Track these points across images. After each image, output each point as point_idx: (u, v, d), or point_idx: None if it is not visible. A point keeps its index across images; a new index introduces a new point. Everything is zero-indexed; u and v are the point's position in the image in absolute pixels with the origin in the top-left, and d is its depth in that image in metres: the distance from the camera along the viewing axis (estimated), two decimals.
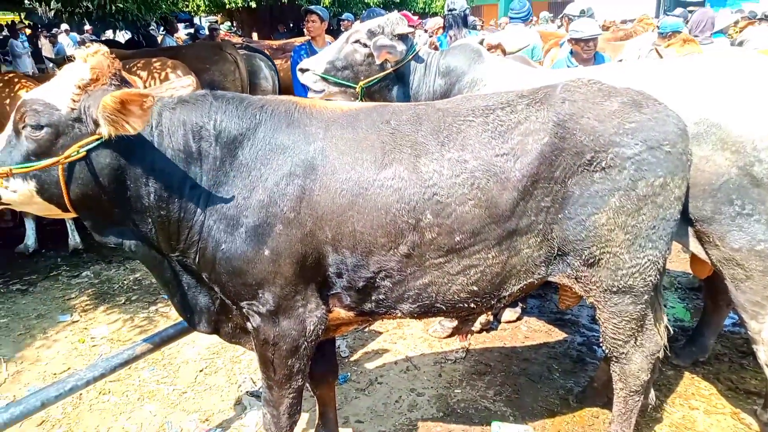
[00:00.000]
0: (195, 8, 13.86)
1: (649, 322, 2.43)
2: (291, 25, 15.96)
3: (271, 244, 2.10)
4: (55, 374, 3.71)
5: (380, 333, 4.07)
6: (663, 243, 2.21)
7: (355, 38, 3.29)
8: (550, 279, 2.32)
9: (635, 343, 2.42)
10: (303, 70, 3.31)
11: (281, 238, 2.10)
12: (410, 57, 3.32)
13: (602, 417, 3.13)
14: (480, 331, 4.06)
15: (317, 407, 2.85)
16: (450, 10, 5.40)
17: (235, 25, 16.84)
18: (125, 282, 5.06)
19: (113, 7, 5.97)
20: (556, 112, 2.08)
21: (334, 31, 11.69)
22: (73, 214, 2.14)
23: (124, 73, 2.11)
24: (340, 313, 2.36)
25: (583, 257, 2.20)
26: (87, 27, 15.03)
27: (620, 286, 2.24)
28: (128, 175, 2.05)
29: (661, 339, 2.51)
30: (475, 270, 2.19)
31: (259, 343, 2.27)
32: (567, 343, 3.93)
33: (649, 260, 2.20)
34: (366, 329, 4.08)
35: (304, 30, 6.28)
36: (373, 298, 2.28)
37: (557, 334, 4.04)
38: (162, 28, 12.55)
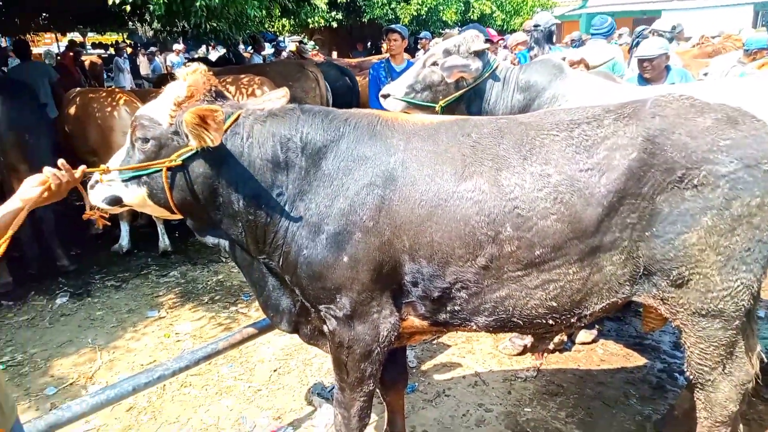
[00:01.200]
0: (280, 28, 14.54)
1: (739, 350, 2.29)
2: (369, 44, 16.35)
3: (350, 250, 2.17)
4: (142, 365, 3.97)
5: (449, 346, 4.06)
6: (758, 266, 2.09)
7: (432, 60, 3.37)
8: (635, 299, 2.25)
9: (723, 370, 2.29)
10: (385, 96, 3.44)
11: (360, 246, 2.17)
12: (488, 74, 3.34)
13: None
14: (553, 351, 3.96)
15: (386, 413, 2.89)
16: (535, 26, 5.36)
17: (316, 42, 17.47)
18: (209, 283, 5.35)
19: (207, 26, 6.38)
20: (646, 127, 2.03)
21: (411, 50, 11.85)
22: (179, 216, 2.33)
23: (220, 87, 2.28)
24: (414, 321, 2.39)
25: (671, 277, 2.12)
26: (178, 47, 16.04)
27: (709, 310, 2.14)
28: (220, 182, 2.21)
29: (753, 368, 2.36)
30: (554, 285, 2.16)
31: (335, 345, 2.34)
32: (646, 368, 3.76)
33: (742, 284, 2.09)
34: (434, 341, 4.08)
35: (383, 48, 6.46)
36: (448, 308, 2.30)
37: (636, 359, 3.87)
38: (250, 47, 13.21)
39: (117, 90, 6.02)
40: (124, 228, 6.05)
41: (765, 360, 2.47)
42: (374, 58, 11.59)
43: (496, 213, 2.08)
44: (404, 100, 3.34)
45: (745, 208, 1.98)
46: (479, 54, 3.29)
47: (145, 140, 2.15)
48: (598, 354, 3.97)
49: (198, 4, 4.68)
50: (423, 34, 12.86)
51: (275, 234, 2.27)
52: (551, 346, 3.94)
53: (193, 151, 2.13)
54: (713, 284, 2.09)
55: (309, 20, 10.31)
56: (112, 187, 2.26)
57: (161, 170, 2.16)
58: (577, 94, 3.01)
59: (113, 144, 5.27)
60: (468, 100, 3.32)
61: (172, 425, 3.34)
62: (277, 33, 16.32)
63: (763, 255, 2.07)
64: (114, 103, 5.57)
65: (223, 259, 5.92)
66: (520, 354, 3.93)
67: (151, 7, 4.55)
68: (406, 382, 2.87)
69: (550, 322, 2.28)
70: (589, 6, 25.83)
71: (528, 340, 3.90)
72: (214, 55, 14.91)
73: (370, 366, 2.34)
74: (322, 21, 11.20)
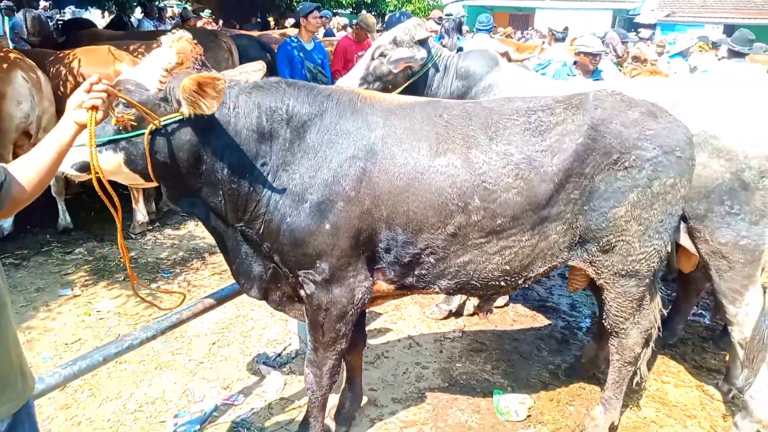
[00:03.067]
0: None
1: (646, 303, 2.81)
2: (260, 18, 15.86)
3: (332, 219, 2.33)
4: (66, 344, 3.78)
5: (381, 314, 4.34)
6: (667, 235, 2.58)
7: (380, 52, 3.51)
8: (570, 262, 2.66)
9: (634, 320, 2.79)
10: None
11: (341, 214, 2.33)
12: (432, 62, 3.57)
13: (588, 388, 3.52)
14: (472, 315, 4.40)
15: (345, 373, 3.09)
16: (447, 15, 5.70)
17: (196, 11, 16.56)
18: (121, 260, 5.09)
19: None
20: (590, 116, 2.41)
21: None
22: (151, 183, 2.30)
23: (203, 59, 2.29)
24: (382, 285, 2.61)
25: (601, 244, 2.55)
26: (43, 3, 14.28)
27: (628, 270, 2.60)
28: (205, 150, 2.24)
29: (655, 319, 2.90)
30: (509, 251, 2.49)
31: (312, 308, 2.49)
32: (551, 326, 4.33)
33: (654, 249, 2.57)
34: (367, 310, 4.33)
35: (301, 24, 6.45)
36: (415, 272, 2.54)
37: (542, 319, 4.43)
38: (141, 11, 12.23)
39: (9, 51, 5.33)
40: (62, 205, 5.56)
41: (664, 313, 3.03)
42: (274, 33, 11.38)
43: (467, 186, 2.35)
44: None
45: (662, 187, 2.44)
46: (422, 43, 3.51)
47: (130, 105, 2.10)
48: (511, 316, 4.47)
49: None
50: (323, 12, 12.84)
51: (257, 203, 2.35)
52: (471, 309, 4.37)
53: (181, 118, 2.13)
54: (633, 249, 2.55)
55: None
56: (83, 152, 2.16)
57: (143, 136, 2.13)
58: (509, 84, 3.37)
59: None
60: (413, 86, 3.54)
61: (114, 401, 3.25)
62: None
63: (671, 226, 2.57)
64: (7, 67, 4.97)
65: (132, 236, 5.65)
66: (445, 318, 4.31)
67: None
68: (365, 343, 3.10)
69: (502, 284, 2.62)
70: (469, 0, 27.21)
71: (453, 305, 4.29)
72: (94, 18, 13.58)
73: (344, 326, 2.53)
74: None
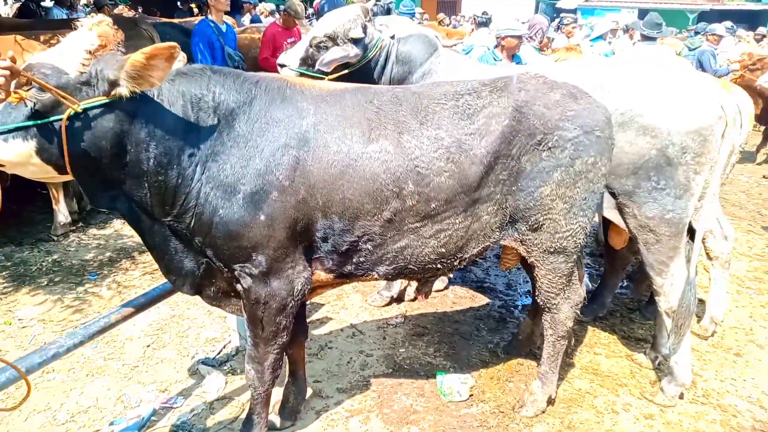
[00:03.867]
0: None
1: (575, 278, 2.94)
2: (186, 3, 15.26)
3: (266, 209, 2.28)
4: None
5: (323, 304, 4.32)
6: (591, 212, 2.71)
7: (316, 42, 3.49)
8: (502, 242, 2.74)
9: (564, 295, 2.91)
10: (281, 65, 3.57)
11: (276, 205, 2.29)
12: (371, 55, 3.55)
13: (526, 364, 3.65)
14: (413, 299, 4.45)
15: (287, 367, 3.05)
16: (376, 2, 5.69)
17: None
18: (43, 264, 4.80)
19: None
20: (515, 98, 2.48)
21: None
22: (65, 177, 2.16)
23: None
24: (320, 275, 2.59)
25: (529, 223, 2.64)
26: None
27: (556, 247, 2.71)
28: (129, 140, 2.13)
29: (583, 292, 3.04)
30: (444, 234, 2.53)
31: (250, 302, 2.44)
32: (489, 306, 4.45)
33: (580, 226, 2.69)
34: (308, 301, 4.30)
35: (210, 3, 6.27)
36: (353, 260, 2.54)
37: (480, 299, 4.55)
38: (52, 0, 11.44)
39: None
40: None
41: (589, 287, 3.18)
42: (195, 20, 10.98)
43: (401, 171, 2.37)
44: (298, 71, 3.46)
45: (584, 166, 2.55)
46: (356, 41, 3.48)
47: (44, 89, 1.96)
48: (450, 298, 4.57)
49: None
50: None
51: (186, 195, 2.26)
52: (412, 295, 4.42)
53: (104, 102, 2.02)
54: (560, 227, 2.65)
55: None
56: None
57: (59, 122, 1.98)
58: (446, 69, 3.41)
59: None
60: (352, 76, 3.51)
61: (43, 413, 3.08)
62: None
63: (594, 203, 2.69)
64: None
65: (54, 238, 5.35)
66: (387, 305, 4.34)
67: None
68: (306, 335, 3.07)
69: (439, 266, 2.66)
70: None
71: (394, 291, 4.33)
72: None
73: (285, 319, 2.50)
74: None
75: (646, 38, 6.37)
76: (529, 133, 2.48)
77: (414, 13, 7.56)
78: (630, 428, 3.13)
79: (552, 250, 2.72)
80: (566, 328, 3.00)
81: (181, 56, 2.37)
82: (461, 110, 2.47)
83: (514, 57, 5.10)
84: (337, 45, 3.47)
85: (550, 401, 3.22)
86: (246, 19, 12.28)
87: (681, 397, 3.31)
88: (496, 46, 5.17)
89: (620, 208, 3.04)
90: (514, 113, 2.47)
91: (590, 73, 2.98)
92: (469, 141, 2.44)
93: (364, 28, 3.41)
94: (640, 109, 2.83)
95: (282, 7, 7.27)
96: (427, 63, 3.45)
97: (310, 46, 3.46)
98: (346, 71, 3.47)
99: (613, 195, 3.00)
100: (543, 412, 3.18)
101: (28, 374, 2.27)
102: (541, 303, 2.96)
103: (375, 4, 5.97)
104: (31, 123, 1.97)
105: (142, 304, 2.78)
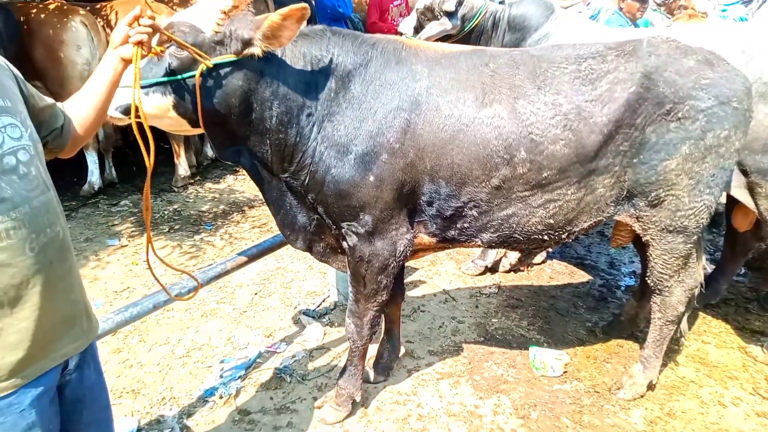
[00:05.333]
0: None
1: (692, 261, 2.75)
2: None
3: (376, 171, 2.32)
4: (116, 292, 3.95)
5: (417, 269, 4.37)
6: (718, 190, 2.50)
7: (420, 13, 3.56)
8: (615, 217, 2.61)
9: (678, 278, 2.74)
10: (400, 33, 3.66)
11: (385, 166, 2.32)
12: (472, 27, 3.47)
13: (626, 347, 3.50)
14: (508, 271, 4.39)
15: (383, 324, 3.15)
16: None
17: None
18: (165, 212, 5.24)
19: None
20: (644, 64, 2.31)
21: None
22: (197, 130, 2.31)
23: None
24: (423, 238, 2.62)
25: (649, 198, 2.48)
26: None
27: (676, 226, 2.54)
28: (256, 98, 2.23)
29: (700, 276, 2.84)
30: (554, 204, 2.45)
31: (354, 259, 2.52)
32: (589, 284, 4.29)
33: (704, 204, 2.49)
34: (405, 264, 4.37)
35: None
36: (457, 225, 2.54)
37: (580, 276, 4.39)
38: None
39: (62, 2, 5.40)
40: (92, 160, 5.53)
41: (708, 270, 2.96)
42: None
43: (513, 138, 2.31)
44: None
45: (716, 140, 2.35)
46: (450, 14, 3.41)
47: (182, 47, 2.08)
48: (547, 273, 4.45)
49: None
50: None
51: (303, 153, 2.35)
52: (508, 266, 4.36)
53: (234, 60, 2.11)
54: (683, 204, 2.48)
55: None
56: (129, 94, 2.02)
57: (194, 78, 2.10)
58: (563, 33, 3.24)
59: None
60: (461, 41, 3.47)
61: (163, 346, 3.41)
62: None
63: (723, 180, 2.48)
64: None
65: (175, 189, 5.80)
66: (481, 274, 4.32)
67: None
68: (404, 295, 3.14)
69: (545, 237, 2.59)
70: None
71: (489, 261, 4.29)
72: None
73: (386, 278, 2.56)
74: None
75: None
76: (657, 101, 2.31)
77: None
78: (739, 424, 2.93)
79: (671, 228, 2.55)
80: (677, 313, 2.83)
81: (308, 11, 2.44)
82: (583, 75, 2.34)
83: (637, 23, 4.72)
84: (436, 18, 3.45)
85: (651, 387, 3.08)
86: None
87: None
88: (619, 10, 4.82)
89: (751, 187, 2.78)
90: (642, 79, 2.30)
91: (731, 38, 2.70)
92: (589, 108, 2.32)
93: (459, 1, 3.34)
94: None
95: None
96: (544, 27, 3.29)
97: (417, 15, 3.47)
98: (451, 41, 3.43)
99: (744, 172, 2.75)
100: (642, 396, 3.05)
101: (154, 310, 2.54)
102: (652, 284, 2.81)
103: None
104: (169, 78, 2.12)
105: (254, 255, 2.97)
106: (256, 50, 2.08)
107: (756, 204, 2.78)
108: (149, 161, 1.84)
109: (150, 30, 1.80)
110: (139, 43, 1.75)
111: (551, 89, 2.32)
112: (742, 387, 3.19)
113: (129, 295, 3.93)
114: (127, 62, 1.75)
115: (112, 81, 1.72)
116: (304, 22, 2.33)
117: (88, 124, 1.67)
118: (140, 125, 1.91)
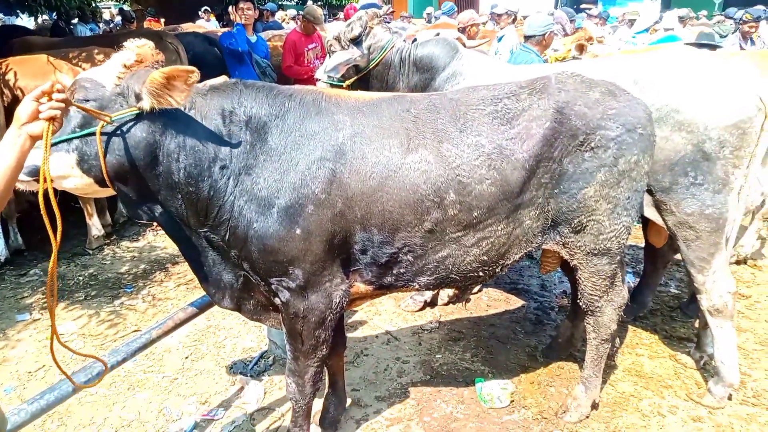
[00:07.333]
0: None
1: (618, 280, 2.86)
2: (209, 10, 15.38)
3: (302, 223, 2.26)
4: (29, 372, 3.59)
5: (356, 311, 4.29)
6: (634, 211, 2.63)
7: (328, 47, 3.56)
8: (543, 246, 2.68)
9: (607, 297, 2.84)
10: (317, 80, 3.69)
11: (312, 218, 2.27)
12: (379, 59, 3.53)
13: (566, 368, 3.57)
14: (447, 304, 4.40)
15: (327, 377, 3.04)
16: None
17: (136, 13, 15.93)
18: (79, 278, 4.87)
19: None
20: (555, 100, 2.41)
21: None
22: (106, 191, 2.20)
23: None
24: (360, 287, 2.56)
25: (572, 225, 2.57)
26: None
27: (600, 249, 2.64)
28: (161, 150, 2.16)
29: (626, 294, 2.95)
30: (486, 241, 2.48)
31: (289, 316, 2.42)
32: (524, 308, 4.38)
33: (623, 226, 2.61)
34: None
35: (234, 17, 6.28)
36: (393, 272, 2.50)
37: (515, 302, 4.48)
38: (77, 17, 11.63)
39: None
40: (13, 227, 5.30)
41: (631, 287, 3.09)
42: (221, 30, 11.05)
43: (442, 181, 2.32)
44: (326, 81, 3.52)
45: (627, 165, 2.48)
46: (355, 42, 3.46)
47: (84, 101, 2.01)
48: (485, 301, 4.50)
49: None
50: (268, 5, 12.58)
51: (220, 208, 2.26)
52: (446, 299, 4.37)
53: (136, 113, 2.06)
54: (604, 228, 2.58)
55: None
56: (36, 156, 1.87)
57: (95, 134, 2.04)
58: (472, 72, 3.35)
59: None
60: (370, 79, 3.49)
61: (87, 428, 3.11)
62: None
63: (637, 201, 2.61)
64: None
65: (90, 252, 5.42)
66: (421, 309, 4.30)
67: None
68: (345, 345, 3.04)
69: (481, 273, 2.61)
70: None
71: (427, 296, 4.29)
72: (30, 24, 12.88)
73: (324, 332, 2.47)
74: None
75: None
76: (571, 134, 2.42)
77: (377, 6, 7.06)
78: (678, 431, 3.04)
79: (596, 251, 2.65)
80: (610, 331, 2.92)
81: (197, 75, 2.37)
82: (500, 115, 2.41)
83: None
84: (343, 48, 3.48)
85: (594, 405, 3.15)
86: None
87: (729, 398, 3.21)
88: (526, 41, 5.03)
89: (658, 206, 2.96)
90: (555, 115, 2.40)
91: (624, 70, 2.89)
92: (510, 146, 2.38)
93: (365, 29, 3.39)
94: (676, 104, 2.75)
95: (301, 13, 7.24)
96: (450, 66, 3.39)
97: (327, 48, 3.48)
98: (357, 77, 3.46)
99: (650, 192, 2.92)
100: (587, 417, 3.10)
101: (74, 393, 2.31)
102: (584, 306, 2.89)
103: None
104: (70, 136, 2.05)
105: (181, 319, 2.79)
106: (145, 105, 2.03)
107: (664, 220, 2.95)
108: (55, 241, 1.71)
109: (63, 105, 1.70)
110: (51, 119, 1.66)
111: (473, 131, 2.37)
112: (677, 395, 3.32)
113: (44, 374, 3.59)
114: (35, 139, 1.65)
115: (17, 162, 1.61)
116: (203, 82, 2.30)
117: None
118: (46, 198, 1.78)
